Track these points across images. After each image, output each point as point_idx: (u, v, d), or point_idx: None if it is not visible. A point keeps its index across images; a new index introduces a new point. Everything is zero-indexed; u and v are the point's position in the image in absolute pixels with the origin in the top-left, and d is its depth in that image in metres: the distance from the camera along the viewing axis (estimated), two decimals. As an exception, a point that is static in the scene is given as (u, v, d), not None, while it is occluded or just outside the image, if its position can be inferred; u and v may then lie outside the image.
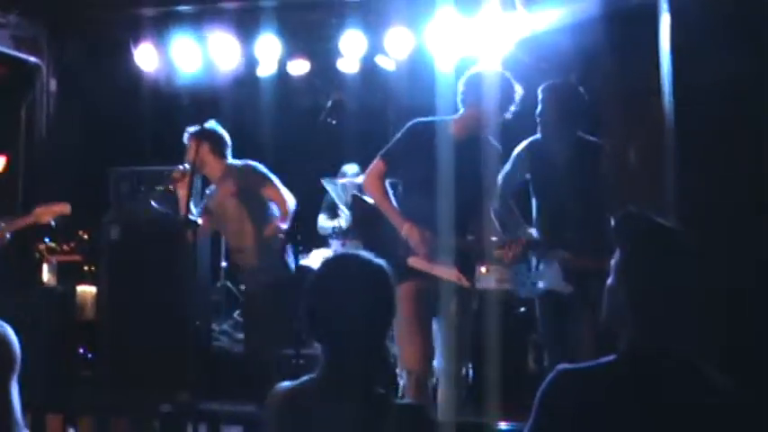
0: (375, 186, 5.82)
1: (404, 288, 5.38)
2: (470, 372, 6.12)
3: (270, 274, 7.05)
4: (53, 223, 6.87)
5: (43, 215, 6.81)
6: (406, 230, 5.61)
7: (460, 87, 5.85)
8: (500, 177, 6.16)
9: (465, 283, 5.64)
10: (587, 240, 5.71)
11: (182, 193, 6.90)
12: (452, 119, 5.86)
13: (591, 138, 6.24)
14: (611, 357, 2.73)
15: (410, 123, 5.84)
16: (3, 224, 6.81)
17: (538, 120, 6.15)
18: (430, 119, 5.88)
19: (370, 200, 5.97)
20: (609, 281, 2.79)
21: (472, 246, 5.76)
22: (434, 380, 5.78)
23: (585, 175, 6.01)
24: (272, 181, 7.23)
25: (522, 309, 7.49)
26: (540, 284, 6.07)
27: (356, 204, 6.63)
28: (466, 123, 5.78)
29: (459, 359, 5.76)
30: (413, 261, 5.61)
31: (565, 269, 5.91)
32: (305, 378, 3.04)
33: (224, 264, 9.67)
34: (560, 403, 2.69)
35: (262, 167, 7.29)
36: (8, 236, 6.80)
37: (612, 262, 2.79)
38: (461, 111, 5.83)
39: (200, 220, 6.58)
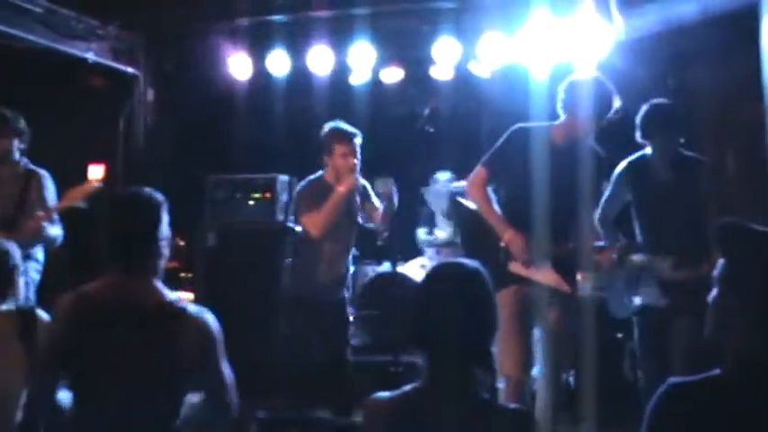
0: (478, 193, 6.10)
1: (504, 294, 5.65)
2: (570, 379, 6.57)
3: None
4: (83, 205, 7.11)
5: (73, 196, 7.08)
6: (508, 237, 5.88)
7: (560, 94, 6.04)
8: (602, 200, 6.40)
9: (565, 288, 5.87)
10: (690, 255, 5.86)
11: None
12: (553, 125, 6.07)
13: (691, 154, 6.36)
14: (721, 370, 2.75)
15: (511, 129, 6.07)
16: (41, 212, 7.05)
17: (641, 140, 6.31)
18: (530, 125, 6.09)
19: (471, 205, 6.24)
20: (713, 293, 2.83)
21: (571, 252, 5.96)
22: (533, 386, 6.08)
23: (688, 192, 6.17)
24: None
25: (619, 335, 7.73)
26: (637, 300, 6.26)
27: (458, 209, 6.86)
28: (566, 130, 5.98)
29: (558, 367, 6.04)
30: (513, 267, 5.90)
31: (662, 283, 6.09)
32: (407, 387, 3.15)
33: None
34: (672, 417, 2.73)
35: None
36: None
37: (715, 274, 2.83)
38: (562, 117, 6.04)
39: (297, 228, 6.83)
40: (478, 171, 6.12)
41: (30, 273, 6.88)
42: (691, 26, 7.94)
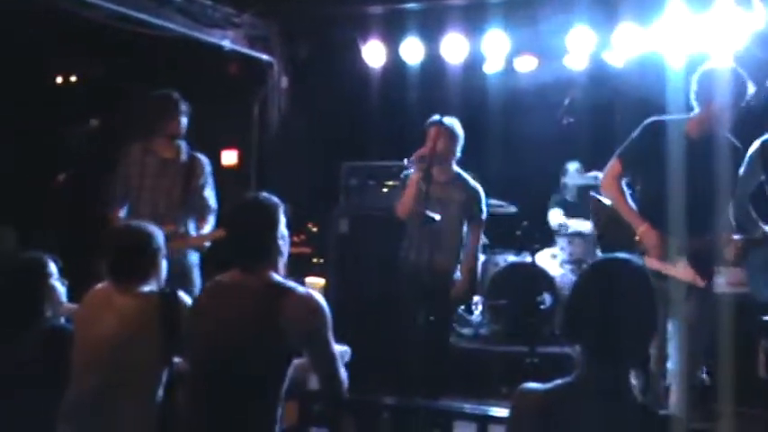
0: (612, 186, 6.33)
1: None
2: (704, 376, 6.66)
3: None
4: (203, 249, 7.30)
5: (199, 241, 7.26)
6: (643, 231, 6.10)
7: (693, 85, 6.16)
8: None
9: (700, 283, 6.01)
10: None
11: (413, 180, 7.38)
12: (688, 117, 6.20)
13: None
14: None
15: (645, 122, 6.26)
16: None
17: None
18: (665, 118, 6.26)
19: (606, 199, 6.47)
20: None
21: (707, 246, 6.07)
22: (668, 382, 6.19)
23: None
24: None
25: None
26: None
27: (594, 205, 6.95)
28: (701, 122, 6.12)
29: (692, 362, 6.16)
30: (648, 262, 6.00)
31: None
32: (559, 381, 3.20)
33: None
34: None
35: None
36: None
37: None
38: (696, 109, 6.16)
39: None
40: (613, 164, 6.36)
41: None
42: None
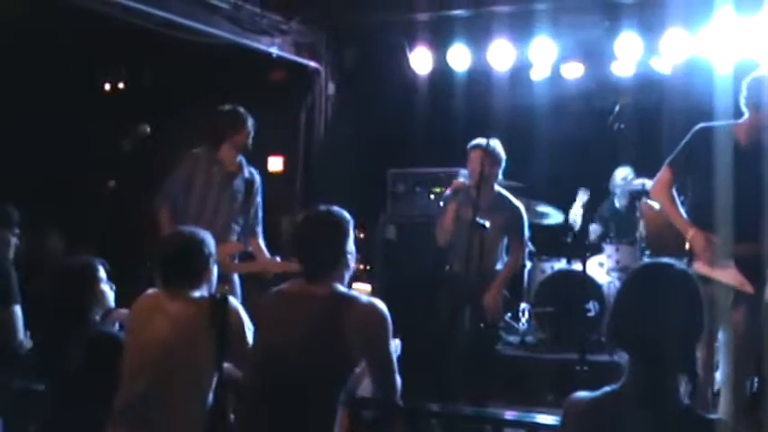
0: (662, 194, 6.32)
1: None
2: (755, 385, 6.48)
3: None
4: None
5: (272, 268, 7.30)
6: (692, 236, 6.06)
7: (744, 91, 6.13)
8: None
9: (748, 289, 5.95)
10: None
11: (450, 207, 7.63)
12: (737, 123, 6.16)
13: None
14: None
15: (695, 129, 6.22)
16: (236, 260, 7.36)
17: None
18: (714, 124, 6.22)
19: (656, 205, 6.54)
20: None
21: (756, 252, 5.96)
22: (716, 389, 6.23)
23: None
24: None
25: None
26: None
27: (644, 209, 7.13)
28: (750, 128, 6.08)
29: (741, 370, 6.10)
30: (697, 267, 5.98)
31: None
32: (607, 388, 3.18)
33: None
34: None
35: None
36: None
37: None
38: (745, 115, 6.12)
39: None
40: (663, 172, 6.35)
41: None
42: None
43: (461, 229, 7.50)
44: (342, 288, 4.36)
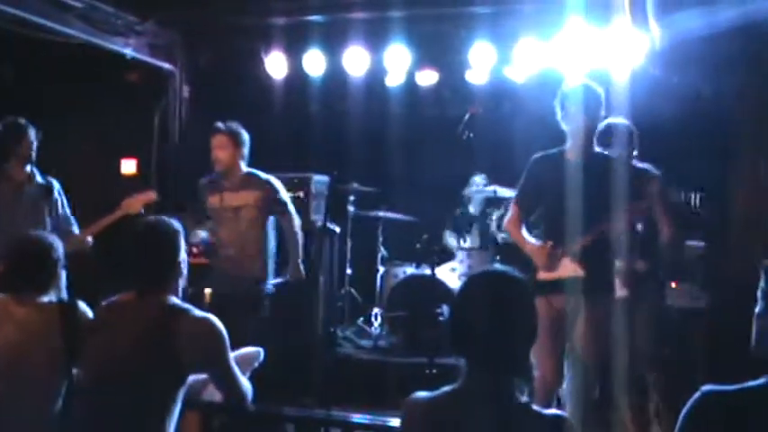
0: (511, 227, 6.62)
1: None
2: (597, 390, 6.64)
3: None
4: (142, 211, 7.35)
5: (132, 205, 7.34)
6: (529, 249, 6.38)
7: (557, 108, 6.39)
8: None
9: (580, 272, 6.19)
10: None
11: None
12: (565, 149, 6.39)
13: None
14: (762, 381, 2.86)
15: (529, 161, 6.51)
16: (79, 232, 7.35)
17: None
18: (544, 153, 6.48)
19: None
20: (758, 308, 3.00)
21: (601, 241, 6.22)
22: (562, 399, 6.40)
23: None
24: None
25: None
26: None
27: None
28: (573, 144, 6.34)
29: (582, 375, 6.29)
30: (541, 275, 6.30)
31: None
32: (445, 389, 3.25)
33: (349, 271, 10.32)
34: (707, 426, 2.87)
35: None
36: (90, 240, 7.34)
37: (759, 292, 3.02)
38: (566, 129, 6.36)
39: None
40: (511, 208, 6.65)
41: None
42: (727, 34, 8.22)
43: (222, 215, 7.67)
44: (175, 300, 4.31)
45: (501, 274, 3.35)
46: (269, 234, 7.88)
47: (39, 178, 7.35)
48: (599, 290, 6.31)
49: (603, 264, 6.39)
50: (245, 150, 7.81)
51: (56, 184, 7.43)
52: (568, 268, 6.27)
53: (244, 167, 7.81)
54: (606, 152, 6.54)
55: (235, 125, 7.77)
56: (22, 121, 7.25)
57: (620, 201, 6.20)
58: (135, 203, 7.39)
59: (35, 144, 7.28)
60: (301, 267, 7.84)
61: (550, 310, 6.11)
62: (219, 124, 7.78)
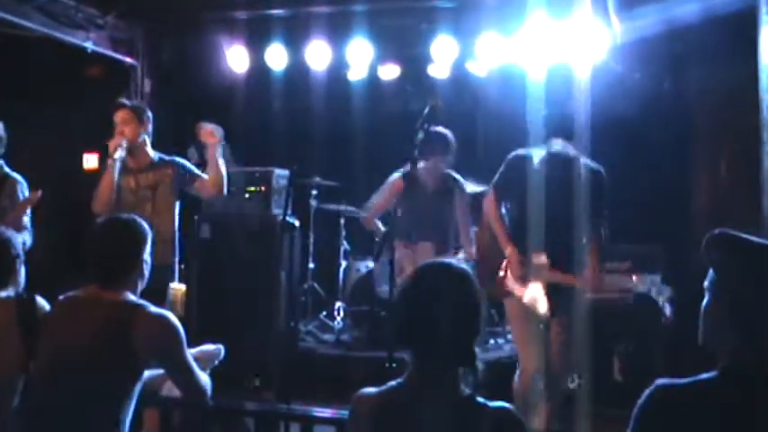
0: (491, 212, 6.64)
1: (509, 302, 6.51)
2: (574, 382, 6.97)
3: None
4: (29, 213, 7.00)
5: (22, 209, 6.94)
6: (509, 253, 6.44)
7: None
8: None
9: (540, 308, 6.30)
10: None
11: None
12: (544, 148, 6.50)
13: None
14: (713, 374, 2.90)
15: (509, 156, 6.56)
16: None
17: None
18: (524, 151, 6.52)
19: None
20: (704, 301, 3.00)
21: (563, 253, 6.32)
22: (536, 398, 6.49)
23: None
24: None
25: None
26: None
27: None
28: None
29: (556, 368, 6.45)
30: (508, 281, 6.44)
31: None
32: (392, 383, 3.27)
33: (311, 265, 10.27)
34: (661, 419, 2.88)
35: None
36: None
37: (706, 283, 3.00)
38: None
39: None
40: (490, 193, 6.70)
41: None
42: (688, 29, 8.32)
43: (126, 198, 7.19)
44: (133, 297, 4.31)
45: (444, 266, 3.37)
46: None
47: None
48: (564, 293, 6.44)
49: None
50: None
51: (16, 178, 7.21)
52: (532, 296, 6.36)
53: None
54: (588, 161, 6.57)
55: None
56: None
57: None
58: (22, 207, 7.03)
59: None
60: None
61: (520, 303, 6.38)
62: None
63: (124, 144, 7.05)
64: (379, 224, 8.83)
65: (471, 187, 8.71)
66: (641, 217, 6.77)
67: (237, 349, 7.61)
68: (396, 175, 8.36)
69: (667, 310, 8.08)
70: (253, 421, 5.27)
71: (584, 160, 6.47)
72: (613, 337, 8.21)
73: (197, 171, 7.38)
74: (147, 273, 4.45)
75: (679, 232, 8.81)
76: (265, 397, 7.80)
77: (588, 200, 6.31)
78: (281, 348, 8.25)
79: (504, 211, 6.65)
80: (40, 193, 6.97)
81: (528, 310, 6.37)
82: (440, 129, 7.80)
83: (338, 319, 10.00)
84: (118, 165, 7.02)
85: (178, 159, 7.44)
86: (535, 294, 6.33)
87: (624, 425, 2.98)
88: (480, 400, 3.19)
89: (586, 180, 6.37)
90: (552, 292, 6.34)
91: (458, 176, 8.46)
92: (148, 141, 7.38)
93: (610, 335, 8.12)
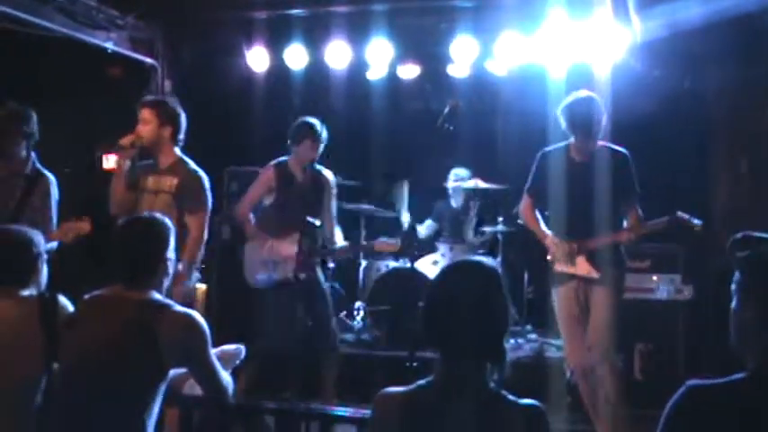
0: (526, 216, 7.29)
1: (555, 293, 6.89)
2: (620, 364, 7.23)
3: None
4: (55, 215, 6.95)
5: (66, 234, 6.76)
6: (548, 242, 7.03)
7: (561, 120, 6.81)
8: None
9: (594, 274, 6.81)
10: None
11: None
12: (570, 143, 6.91)
13: None
14: (742, 375, 2.92)
15: (537, 156, 7.04)
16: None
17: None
18: (551, 148, 7.01)
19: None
20: (733, 304, 3.03)
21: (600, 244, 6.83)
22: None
23: None
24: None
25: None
26: None
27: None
28: (578, 148, 6.86)
29: (600, 353, 6.79)
30: (558, 266, 6.96)
31: None
32: (421, 382, 3.26)
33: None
34: (692, 419, 2.91)
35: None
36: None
37: (733, 285, 3.03)
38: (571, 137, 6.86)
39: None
40: (524, 198, 7.25)
41: None
42: (707, 28, 8.27)
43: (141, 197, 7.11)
44: (158, 296, 4.33)
45: (472, 264, 3.37)
46: None
47: (29, 168, 7.07)
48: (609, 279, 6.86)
49: (614, 261, 6.94)
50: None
51: (48, 180, 7.11)
52: (584, 267, 6.84)
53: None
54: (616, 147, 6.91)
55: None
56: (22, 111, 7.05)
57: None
58: (68, 232, 6.81)
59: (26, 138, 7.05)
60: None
61: (566, 294, 6.88)
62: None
63: (134, 143, 7.10)
64: None
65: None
66: (660, 216, 6.77)
67: (257, 348, 7.93)
68: None
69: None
70: (274, 420, 5.28)
71: (607, 145, 6.85)
72: (634, 335, 8.28)
73: (197, 216, 7.17)
74: (171, 271, 4.47)
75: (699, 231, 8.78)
76: (285, 396, 7.71)
77: (620, 182, 6.73)
78: (301, 349, 8.24)
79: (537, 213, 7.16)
80: (88, 226, 6.79)
81: (572, 300, 6.87)
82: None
83: (358, 318, 10.00)
84: (127, 164, 7.07)
85: (199, 175, 7.25)
86: (585, 264, 6.83)
87: (644, 423, 3.07)
88: (510, 397, 3.20)
89: (614, 164, 6.76)
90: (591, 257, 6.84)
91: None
92: (176, 141, 7.31)
93: (630, 334, 8.10)
